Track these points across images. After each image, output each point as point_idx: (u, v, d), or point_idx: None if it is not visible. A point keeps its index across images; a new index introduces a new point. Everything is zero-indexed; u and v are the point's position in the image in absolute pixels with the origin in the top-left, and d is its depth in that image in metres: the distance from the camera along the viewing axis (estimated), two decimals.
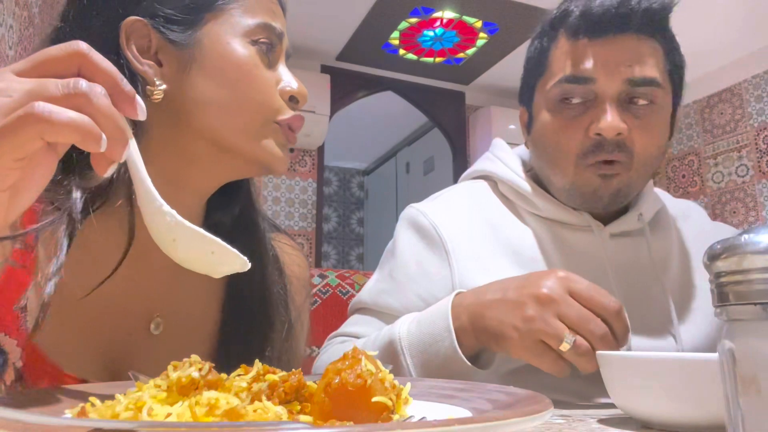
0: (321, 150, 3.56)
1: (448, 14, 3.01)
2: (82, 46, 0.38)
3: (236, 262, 0.44)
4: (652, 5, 0.77)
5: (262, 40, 0.60)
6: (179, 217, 0.42)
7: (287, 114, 0.61)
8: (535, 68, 0.85)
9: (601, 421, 0.53)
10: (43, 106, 0.35)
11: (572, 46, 0.79)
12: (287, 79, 0.62)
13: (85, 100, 0.37)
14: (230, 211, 0.69)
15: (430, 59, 3.51)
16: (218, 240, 0.43)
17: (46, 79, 0.37)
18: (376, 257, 0.96)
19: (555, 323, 0.59)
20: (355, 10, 2.95)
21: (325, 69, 3.49)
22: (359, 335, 0.84)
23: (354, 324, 0.88)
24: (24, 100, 0.35)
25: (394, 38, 3.25)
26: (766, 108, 3.30)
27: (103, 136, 0.37)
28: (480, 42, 3.28)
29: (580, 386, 0.77)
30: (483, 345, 0.66)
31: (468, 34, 3.20)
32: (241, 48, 0.58)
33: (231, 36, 0.58)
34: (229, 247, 0.43)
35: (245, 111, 0.58)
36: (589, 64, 0.77)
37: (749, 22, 2.97)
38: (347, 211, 5.65)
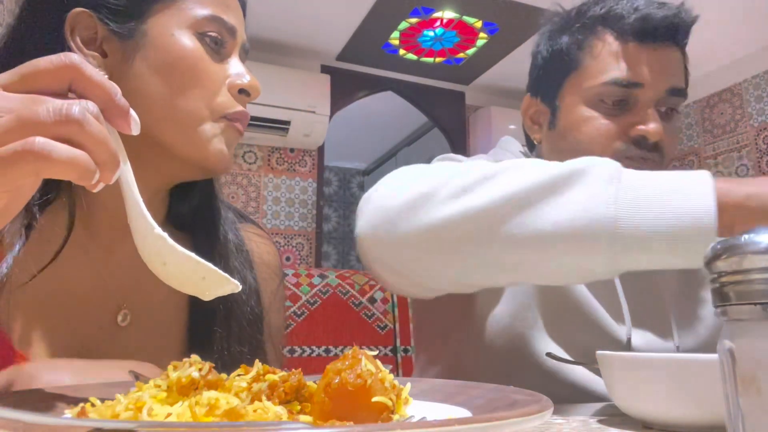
0: (321, 150, 3.56)
1: (448, 14, 3.01)
2: (74, 58, 0.37)
3: (227, 286, 0.44)
4: (690, 19, 0.81)
5: (210, 32, 0.59)
6: (171, 241, 0.42)
7: (232, 108, 0.60)
8: (565, 62, 0.84)
9: (601, 421, 0.53)
10: (43, 144, 0.34)
11: (622, 48, 0.80)
12: (238, 72, 0.61)
13: (78, 126, 0.35)
14: (190, 202, 0.69)
15: (430, 59, 3.51)
16: (210, 265, 0.43)
17: (37, 98, 0.35)
18: None
19: None
20: (355, 10, 2.95)
21: (325, 69, 3.49)
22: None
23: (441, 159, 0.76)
24: (13, 124, 0.34)
25: (394, 38, 3.25)
26: (766, 108, 3.30)
27: (97, 170, 0.36)
28: (480, 42, 3.28)
29: (568, 393, 0.77)
30: None
31: (468, 34, 3.20)
32: (186, 40, 0.58)
33: (177, 27, 0.58)
34: (220, 271, 0.43)
35: (186, 103, 0.57)
36: (641, 69, 0.78)
37: (749, 22, 2.97)
38: (347, 211, 5.65)
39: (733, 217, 0.49)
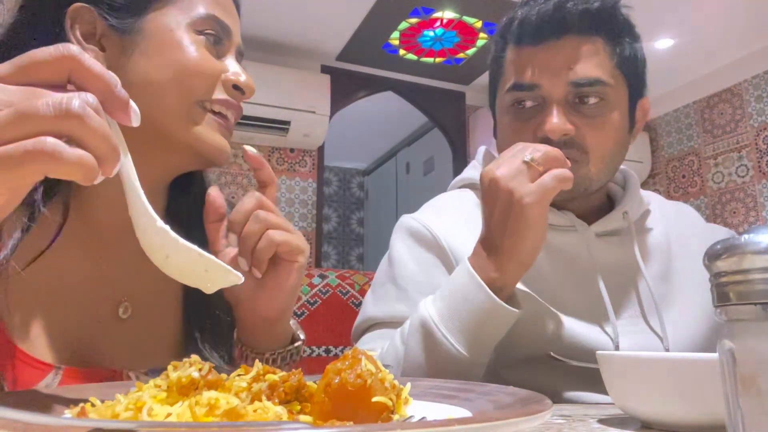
0: (321, 150, 3.56)
1: (448, 14, 3.01)
2: (73, 49, 0.37)
3: (230, 278, 0.44)
4: (591, 6, 0.79)
5: (207, 30, 0.60)
6: (173, 234, 0.42)
7: (221, 95, 0.60)
8: (494, 75, 0.89)
9: (601, 421, 0.53)
10: (54, 144, 0.33)
11: (517, 54, 0.83)
12: (234, 70, 0.62)
13: (78, 121, 0.34)
14: (187, 201, 0.69)
15: (430, 59, 3.51)
16: (212, 257, 0.43)
17: (36, 91, 0.35)
18: (376, 257, 0.96)
19: (514, 166, 0.68)
20: (355, 10, 2.95)
21: (325, 69, 3.49)
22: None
23: (368, 342, 0.85)
24: (12, 118, 0.33)
25: (394, 38, 3.25)
26: (766, 108, 3.30)
27: (99, 169, 0.36)
28: (480, 42, 3.28)
29: (577, 386, 0.77)
30: (515, 258, 0.68)
31: (468, 34, 3.20)
32: (184, 35, 0.59)
33: (175, 24, 0.59)
34: (222, 264, 0.43)
35: (179, 93, 0.58)
36: (532, 71, 0.80)
37: (749, 22, 2.97)
38: (347, 211, 5.65)
39: (506, 283, 0.69)
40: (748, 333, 0.29)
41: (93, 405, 0.33)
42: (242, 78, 0.62)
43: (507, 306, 0.67)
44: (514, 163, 0.68)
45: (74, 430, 0.27)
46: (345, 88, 3.53)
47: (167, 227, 0.42)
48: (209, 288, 0.45)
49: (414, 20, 3.07)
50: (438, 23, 3.10)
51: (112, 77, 0.38)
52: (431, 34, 3.21)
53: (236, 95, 0.62)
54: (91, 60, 0.37)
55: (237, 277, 0.44)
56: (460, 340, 0.69)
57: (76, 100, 0.35)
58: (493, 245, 0.69)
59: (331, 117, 3.35)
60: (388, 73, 3.68)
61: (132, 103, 0.39)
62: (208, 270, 0.43)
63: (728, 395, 0.29)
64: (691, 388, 0.46)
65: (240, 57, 0.66)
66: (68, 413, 0.34)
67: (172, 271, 0.43)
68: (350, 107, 3.67)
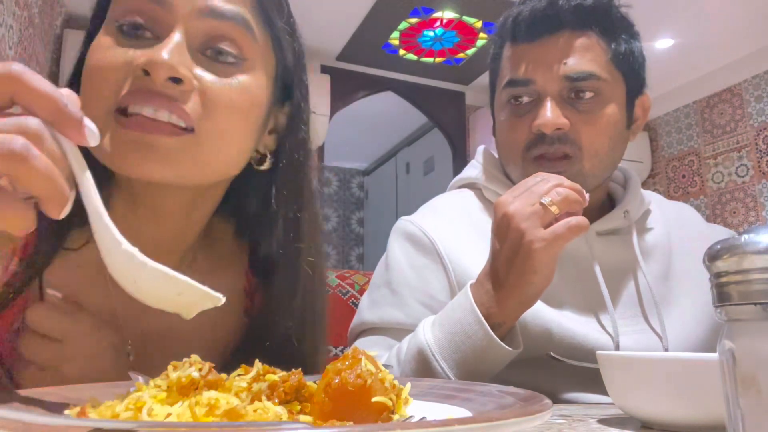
0: (321, 150, 3.56)
1: (448, 14, 3.01)
2: (15, 67, 0.33)
3: (207, 301, 0.40)
4: (584, 1, 0.80)
5: (125, 20, 0.51)
6: (141, 257, 0.38)
7: (124, 89, 0.49)
8: (493, 74, 0.90)
9: (601, 421, 0.53)
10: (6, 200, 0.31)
11: (513, 51, 0.84)
12: (144, 52, 0.49)
13: (20, 162, 0.31)
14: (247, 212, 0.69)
15: (430, 59, 3.51)
16: (186, 279, 0.39)
17: None
18: (376, 257, 0.95)
19: (529, 205, 0.65)
20: (355, 10, 2.95)
21: (325, 69, 3.49)
22: None
23: (362, 346, 0.86)
24: None
25: (394, 38, 3.25)
26: (766, 108, 3.30)
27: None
28: (480, 42, 3.28)
29: (579, 387, 0.77)
30: (517, 298, 0.67)
31: (468, 34, 3.20)
32: (101, 36, 0.52)
33: (102, 30, 0.52)
34: (198, 285, 0.39)
35: (88, 107, 0.46)
36: (526, 66, 0.81)
37: (749, 22, 2.97)
38: (347, 211, 5.65)
39: (504, 320, 0.68)
40: (748, 333, 0.29)
41: (93, 405, 0.33)
42: (146, 57, 0.48)
43: (504, 345, 0.67)
44: (530, 201, 0.65)
45: (74, 430, 0.27)
46: (345, 88, 3.53)
47: (134, 249, 0.38)
48: (186, 314, 0.40)
49: (414, 20, 3.07)
50: (438, 23, 3.10)
51: (61, 96, 0.34)
52: (431, 34, 3.21)
53: (146, 82, 0.49)
54: (36, 78, 0.34)
55: (216, 300, 0.40)
56: (456, 373, 0.69)
57: (18, 139, 0.31)
58: (497, 279, 0.68)
59: (331, 117, 3.35)
60: (388, 73, 3.68)
61: (87, 122, 0.36)
62: (182, 293, 0.39)
63: (728, 395, 0.29)
64: (691, 388, 0.46)
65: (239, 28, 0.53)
66: (68, 413, 0.34)
67: (144, 297, 0.39)
68: (350, 107, 3.68)
